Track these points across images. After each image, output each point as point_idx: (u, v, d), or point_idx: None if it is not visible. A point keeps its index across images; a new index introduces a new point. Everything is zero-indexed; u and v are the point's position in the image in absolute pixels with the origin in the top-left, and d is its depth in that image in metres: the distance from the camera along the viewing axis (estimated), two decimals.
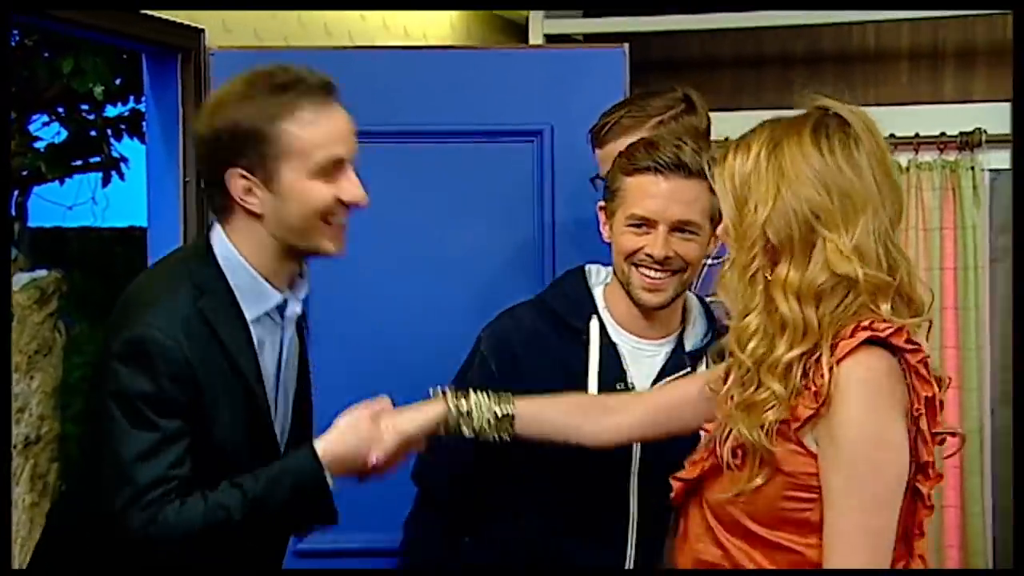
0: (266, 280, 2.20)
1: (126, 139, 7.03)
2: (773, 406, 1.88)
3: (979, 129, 4.77)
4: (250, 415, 2.19)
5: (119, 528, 2.06)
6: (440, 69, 3.41)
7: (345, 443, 2.20)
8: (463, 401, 2.29)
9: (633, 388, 2.45)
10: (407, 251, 3.34)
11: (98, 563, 2.18)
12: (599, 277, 2.57)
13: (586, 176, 2.98)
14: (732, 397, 1.96)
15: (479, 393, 2.30)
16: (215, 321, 2.13)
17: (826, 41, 5.27)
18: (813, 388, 1.86)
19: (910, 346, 1.87)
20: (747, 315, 1.93)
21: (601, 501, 2.48)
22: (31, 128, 7.18)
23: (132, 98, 6.64)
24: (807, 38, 5.27)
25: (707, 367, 2.42)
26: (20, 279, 5.20)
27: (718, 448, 1.96)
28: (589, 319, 2.49)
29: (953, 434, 2.01)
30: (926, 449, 1.88)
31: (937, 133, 4.82)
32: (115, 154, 7.13)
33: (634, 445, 2.44)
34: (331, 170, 2.16)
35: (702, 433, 2.43)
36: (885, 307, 1.87)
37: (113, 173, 7.14)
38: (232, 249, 2.19)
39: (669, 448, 2.26)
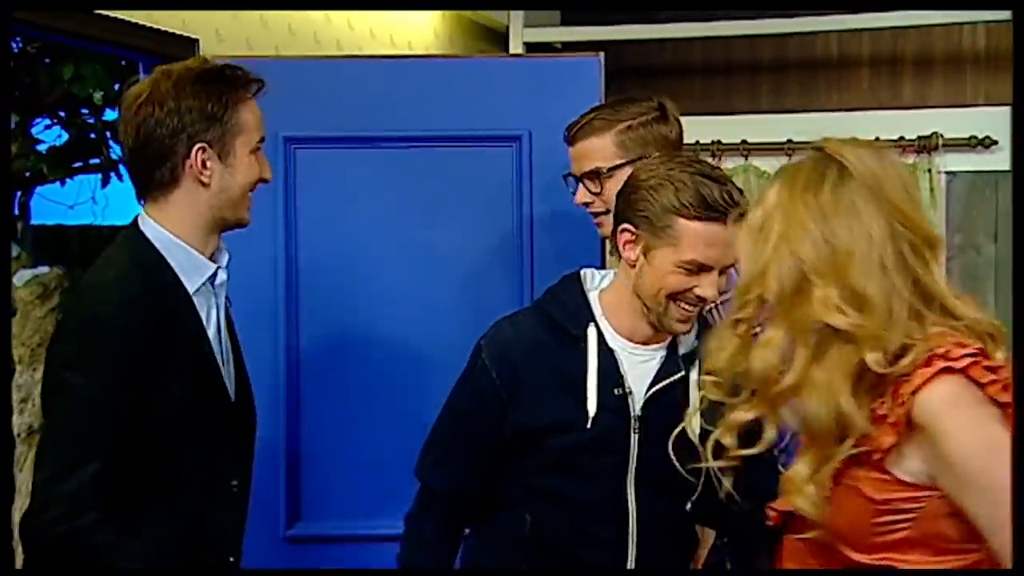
0: (199, 253, 2.40)
1: None
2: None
3: (936, 133, 4.79)
4: (205, 376, 2.38)
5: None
6: (424, 77, 3.40)
7: None
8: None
9: (630, 392, 2.39)
10: (396, 247, 3.34)
11: None
12: (595, 282, 2.50)
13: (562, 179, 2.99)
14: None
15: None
16: (165, 296, 2.33)
17: (791, 49, 5.30)
18: (891, 419, 1.79)
19: (987, 376, 1.77)
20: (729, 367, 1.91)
21: (600, 505, 2.42)
22: (34, 131, 7.15)
23: None
24: (774, 46, 5.30)
25: (699, 371, 2.33)
26: (23, 275, 5.19)
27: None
28: (587, 326, 2.41)
29: None
30: None
31: (896, 137, 4.83)
32: (114, 156, 7.09)
33: (632, 448, 2.40)
34: (259, 149, 2.44)
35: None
36: (872, 356, 1.78)
37: (112, 174, 7.13)
38: (162, 230, 2.38)
39: (662, 456, 2.25)
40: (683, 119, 2.87)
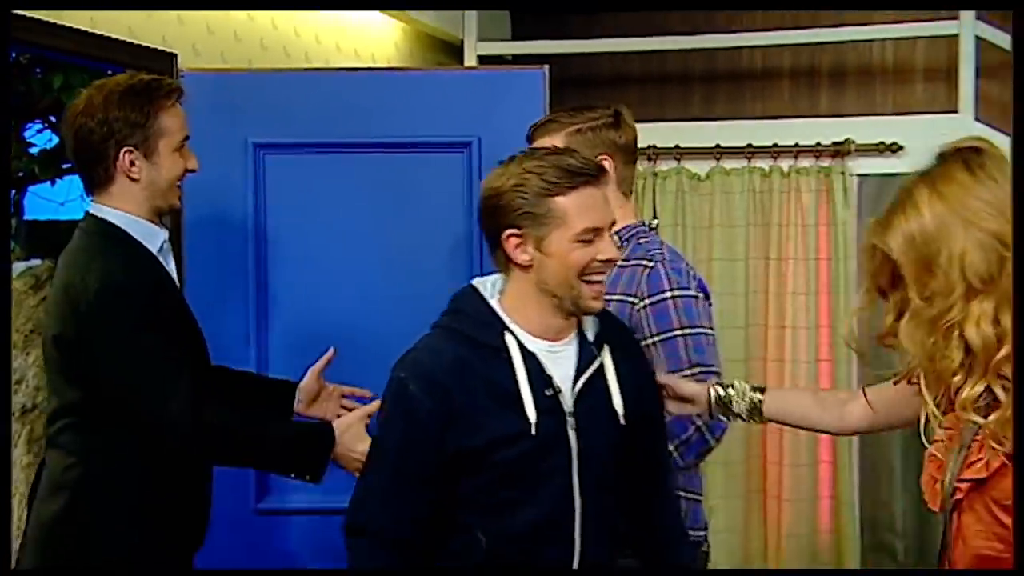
0: (150, 222, 2.62)
1: None
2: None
3: (849, 139, 4.82)
4: (188, 319, 2.68)
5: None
6: (385, 88, 3.39)
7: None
8: (723, 390, 2.47)
9: (560, 391, 2.22)
10: (357, 246, 3.32)
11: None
12: (490, 290, 2.32)
13: None
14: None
15: (738, 382, 2.49)
16: (150, 262, 2.59)
17: (720, 62, 5.34)
18: None
19: None
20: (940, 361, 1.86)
21: (551, 508, 2.23)
22: (26, 135, 7.09)
23: None
24: (704, 59, 5.34)
25: (609, 352, 2.29)
26: (17, 267, 5.15)
27: (1004, 445, 1.83)
28: (502, 335, 2.23)
29: None
30: None
31: (813, 143, 4.86)
32: None
33: (572, 445, 2.23)
34: (183, 147, 2.64)
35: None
36: None
37: None
38: (116, 211, 2.59)
39: (598, 447, 2.24)
40: None
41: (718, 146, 4.93)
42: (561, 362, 2.25)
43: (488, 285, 2.33)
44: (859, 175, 4.85)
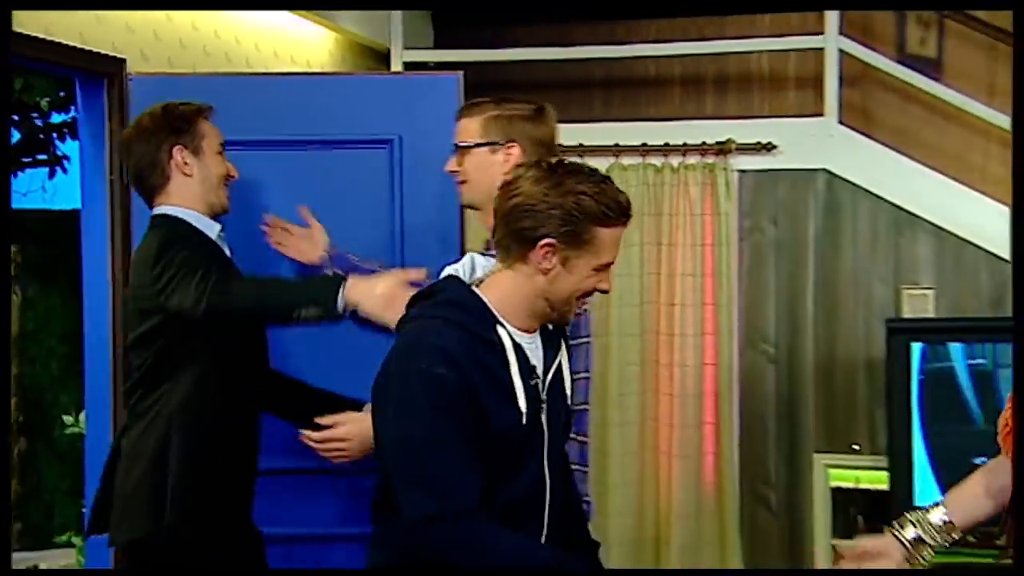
0: (207, 216, 2.78)
1: (68, 140, 6.97)
2: None
3: (730, 139, 4.90)
4: None
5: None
6: (316, 90, 3.41)
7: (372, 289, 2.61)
8: (909, 530, 2.08)
9: (540, 380, 2.19)
10: None
11: None
12: (472, 277, 2.26)
13: (430, 176, 3.03)
14: None
15: (913, 518, 2.10)
16: (212, 248, 2.75)
17: (618, 70, 5.41)
18: None
19: None
20: None
21: (528, 494, 2.18)
22: None
23: (73, 108, 6.54)
24: (604, 68, 5.40)
25: (565, 343, 2.27)
26: None
27: None
28: (495, 328, 2.14)
29: None
30: None
31: (699, 142, 4.92)
32: (59, 153, 7.09)
33: (545, 430, 2.19)
34: (222, 152, 2.82)
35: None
36: None
37: (58, 168, 7.10)
38: (177, 208, 2.75)
39: (558, 431, 2.25)
40: None
41: (616, 145, 5.00)
42: (535, 353, 2.20)
43: (466, 272, 2.28)
44: (739, 171, 4.92)
